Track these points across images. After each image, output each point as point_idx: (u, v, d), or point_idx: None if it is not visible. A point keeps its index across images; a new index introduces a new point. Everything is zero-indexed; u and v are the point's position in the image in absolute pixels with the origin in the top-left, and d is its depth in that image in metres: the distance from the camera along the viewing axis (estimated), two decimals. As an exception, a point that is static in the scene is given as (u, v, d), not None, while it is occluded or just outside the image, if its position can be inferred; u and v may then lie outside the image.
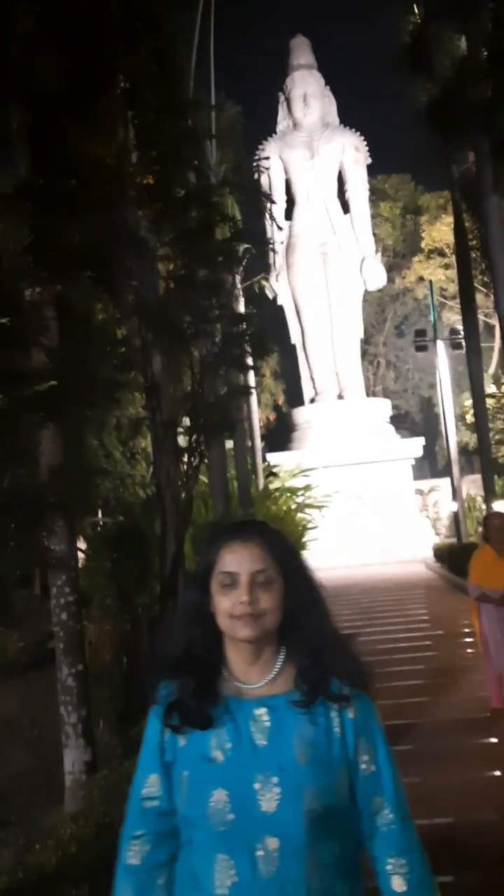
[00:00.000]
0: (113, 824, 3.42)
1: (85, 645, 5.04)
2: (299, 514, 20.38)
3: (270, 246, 19.46)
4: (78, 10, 6.05)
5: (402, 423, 36.31)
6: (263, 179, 31.09)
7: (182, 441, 7.52)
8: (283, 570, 1.51)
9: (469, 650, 8.49)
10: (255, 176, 30.21)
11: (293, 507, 20.35)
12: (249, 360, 7.83)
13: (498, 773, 5.14)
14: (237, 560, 1.49)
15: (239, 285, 20.49)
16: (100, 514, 11.61)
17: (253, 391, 21.83)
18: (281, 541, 1.55)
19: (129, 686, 5.82)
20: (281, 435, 30.63)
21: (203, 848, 1.45)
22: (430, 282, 25.40)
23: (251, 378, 17.14)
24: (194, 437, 7.09)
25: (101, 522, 10.86)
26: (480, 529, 7.06)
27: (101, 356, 4.76)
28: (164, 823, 1.51)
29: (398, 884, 1.48)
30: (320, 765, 1.45)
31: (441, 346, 21.19)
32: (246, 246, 24.04)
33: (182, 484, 7.06)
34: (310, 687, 1.49)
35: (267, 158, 29.67)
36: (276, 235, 30.27)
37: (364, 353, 34.82)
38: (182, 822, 1.49)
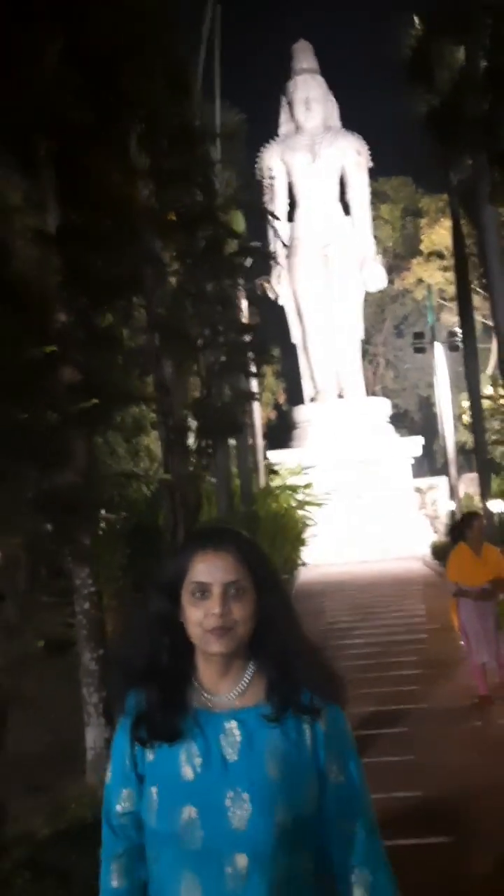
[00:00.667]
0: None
1: (105, 631, 5.53)
2: (299, 512, 20.87)
3: (273, 259, 19.94)
4: (98, 43, 6.52)
5: (402, 421, 36.77)
6: (265, 182, 31.66)
7: (190, 441, 8.00)
8: (255, 580, 1.48)
9: (462, 643, 8.99)
10: (257, 179, 30.63)
11: (293, 504, 20.84)
12: (253, 368, 8.31)
13: (483, 752, 5.65)
14: (210, 570, 1.45)
15: (242, 289, 20.96)
16: (103, 511, 12.06)
17: (254, 387, 22.39)
18: (254, 550, 1.52)
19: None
20: (282, 433, 31.10)
21: (170, 865, 1.43)
22: (429, 286, 25.87)
23: (254, 384, 17.62)
24: (202, 440, 7.58)
25: (105, 519, 11.32)
26: (449, 528, 7.58)
27: (124, 368, 5.23)
28: (142, 837, 1.49)
29: (360, 895, 1.47)
30: (291, 778, 1.43)
31: (439, 348, 21.65)
32: (249, 260, 24.53)
33: (190, 483, 7.54)
34: (280, 699, 1.47)
35: (270, 169, 30.21)
36: (279, 236, 30.74)
37: (364, 353, 35.27)
38: (150, 837, 1.47)
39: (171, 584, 1.48)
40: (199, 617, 1.44)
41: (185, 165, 6.75)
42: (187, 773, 1.42)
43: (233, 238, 7.70)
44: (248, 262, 20.35)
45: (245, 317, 23.17)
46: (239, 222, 22.24)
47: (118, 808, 1.49)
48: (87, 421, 4.10)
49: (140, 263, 5.20)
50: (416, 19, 17.89)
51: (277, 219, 24.26)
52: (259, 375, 12.34)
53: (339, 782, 1.47)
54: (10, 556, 4.48)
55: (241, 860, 1.38)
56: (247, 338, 8.20)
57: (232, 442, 17.21)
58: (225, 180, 20.83)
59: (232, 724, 1.45)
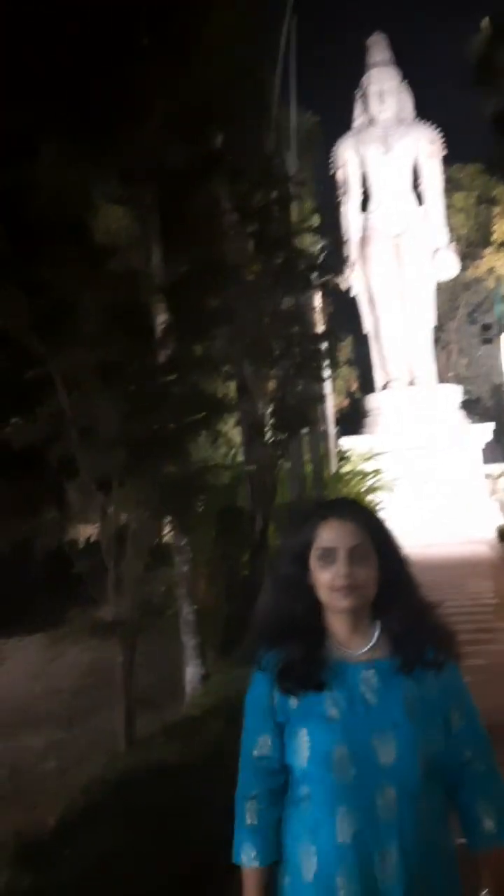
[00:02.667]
0: (221, 709, 5.25)
1: (199, 591, 6.91)
2: (368, 497, 21.88)
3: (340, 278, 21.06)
4: (199, 103, 7.75)
5: (474, 408, 37.10)
6: (339, 175, 32.49)
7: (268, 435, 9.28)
8: (376, 545, 1.65)
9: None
10: (331, 173, 31.56)
11: (363, 489, 21.86)
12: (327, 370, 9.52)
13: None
14: (335, 536, 1.63)
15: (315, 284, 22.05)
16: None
17: (328, 380, 23.48)
18: (373, 518, 1.71)
19: (227, 626, 7.71)
20: (354, 420, 32.04)
21: (324, 801, 1.59)
22: (497, 277, 26.32)
23: (327, 385, 18.76)
24: (278, 434, 8.87)
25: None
26: None
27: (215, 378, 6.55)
28: (275, 781, 1.67)
29: (489, 825, 1.64)
30: (425, 720, 1.62)
31: (507, 339, 22.26)
32: (323, 243, 25.53)
33: (267, 472, 8.84)
34: (408, 653, 1.65)
35: (345, 162, 31.07)
36: (352, 234, 31.62)
37: (437, 341, 35.77)
38: (298, 778, 1.64)
39: (300, 551, 1.67)
40: (327, 579, 1.62)
41: (266, 202, 7.99)
42: (334, 715, 1.60)
43: (305, 259, 8.91)
44: (322, 254, 21.47)
45: (317, 309, 24.27)
46: (309, 212, 23.35)
47: (255, 752, 1.68)
48: (196, 428, 5.46)
49: (231, 295, 6.45)
50: (486, 21, 18.53)
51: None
52: (325, 379, 13.51)
53: (460, 727, 1.66)
54: (121, 529, 5.87)
55: (391, 792, 1.56)
56: (323, 345, 9.42)
57: (305, 430, 18.45)
58: (301, 180, 21.96)
59: (369, 673, 1.63)
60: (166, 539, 8.26)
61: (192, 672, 6.76)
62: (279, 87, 18.40)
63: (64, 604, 6.91)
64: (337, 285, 30.60)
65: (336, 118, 38.02)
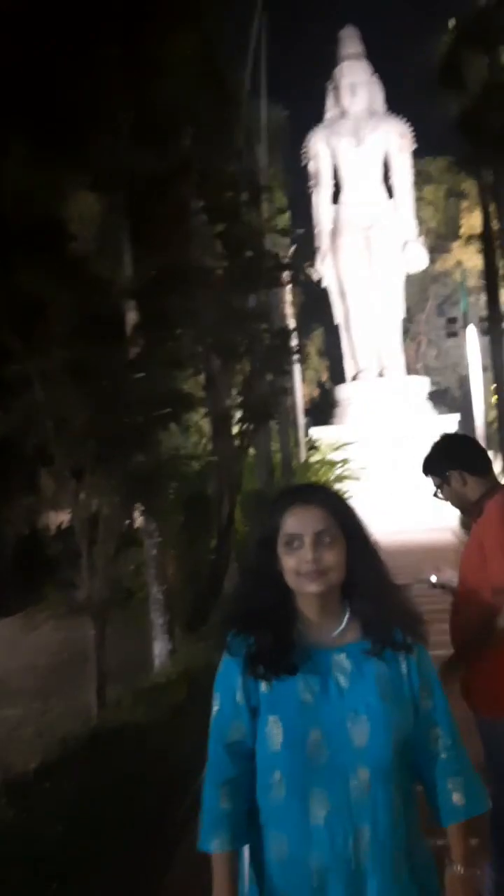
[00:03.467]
0: (184, 677, 5.76)
1: (167, 573, 7.39)
2: (337, 485, 22.49)
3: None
4: (164, 112, 8.13)
5: (442, 399, 37.92)
6: (311, 166, 32.94)
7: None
8: (344, 529, 1.65)
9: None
10: (303, 164, 31.93)
11: (332, 478, 22.46)
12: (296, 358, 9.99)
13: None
14: (300, 522, 1.63)
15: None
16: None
17: (297, 366, 24.01)
18: (341, 502, 1.70)
19: (194, 605, 8.22)
20: (324, 410, 32.66)
21: (296, 785, 1.59)
22: (464, 271, 26.99)
23: (297, 367, 19.23)
24: (244, 425, 9.35)
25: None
26: None
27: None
28: (249, 765, 1.65)
29: (457, 798, 1.67)
30: (396, 702, 1.63)
31: (471, 331, 22.94)
32: (297, 231, 25.89)
33: (233, 462, 9.32)
34: (378, 636, 1.66)
35: (316, 154, 31.51)
36: (323, 225, 32.13)
37: (406, 332, 36.45)
38: (269, 762, 1.62)
39: (268, 538, 1.67)
40: (294, 564, 1.62)
41: (233, 203, 8.43)
42: (308, 699, 1.60)
43: (272, 260, 9.38)
44: (290, 251, 21.92)
45: (288, 303, 24.73)
46: (282, 211, 23.76)
47: (229, 738, 1.66)
48: (162, 422, 5.92)
49: (197, 295, 6.90)
50: (452, 21, 19.01)
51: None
52: (289, 373, 14.05)
53: (428, 707, 1.68)
54: (93, 515, 6.32)
55: (364, 773, 1.57)
56: (289, 341, 9.90)
57: (274, 421, 18.99)
58: (270, 174, 22.36)
59: (341, 657, 1.64)
60: (137, 524, 8.75)
61: (160, 647, 7.25)
62: (249, 81, 18.78)
63: (37, 586, 7.38)
64: (308, 276, 31.17)
65: (307, 111, 38.37)
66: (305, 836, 1.56)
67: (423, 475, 2.99)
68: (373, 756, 1.58)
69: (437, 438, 2.99)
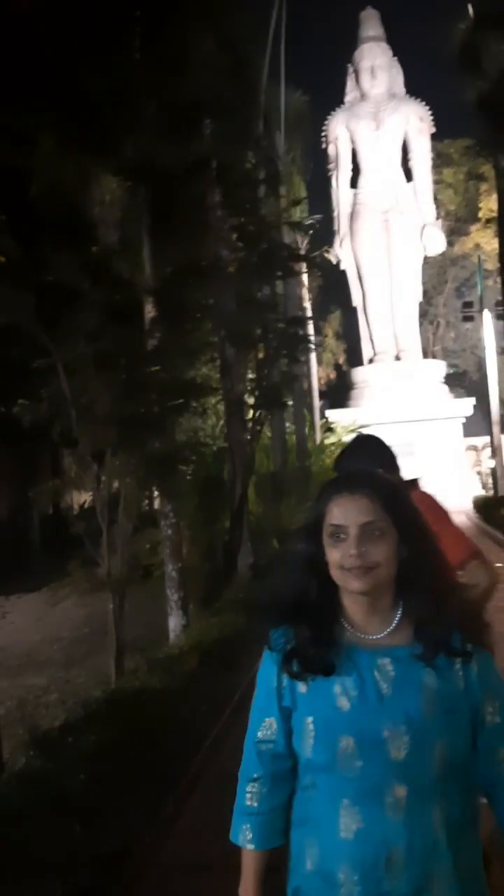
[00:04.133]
0: (196, 649, 6.19)
1: (182, 552, 7.81)
2: (351, 467, 22.74)
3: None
4: (186, 111, 8.41)
5: (460, 381, 38.01)
6: (330, 150, 32.98)
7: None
8: (395, 521, 1.49)
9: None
10: (322, 147, 31.99)
11: (346, 460, 22.75)
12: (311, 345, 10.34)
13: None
14: (345, 513, 1.49)
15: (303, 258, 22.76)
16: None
17: (313, 351, 24.31)
18: (392, 492, 1.54)
19: (208, 582, 8.66)
20: (341, 392, 32.88)
21: (328, 793, 1.48)
22: (479, 256, 27.04)
23: (313, 359, 19.51)
24: (256, 411, 9.73)
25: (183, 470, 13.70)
26: None
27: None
28: (280, 766, 1.56)
29: None
30: (446, 716, 1.46)
31: (487, 315, 23.07)
32: (313, 219, 26.08)
33: (246, 446, 9.71)
34: (431, 641, 1.48)
35: (336, 138, 31.52)
36: (341, 207, 32.21)
37: (424, 314, 36.53)
38: (304, 766, 1.53)
39: (313, 527, 1.53)
40: (337, 558, 1.48)
41: (252, 198, 8.76)
42: (343, 704, 1.46)
43: (283, 251, 9.70)
44: (304, 243, 22.01)
45: (306, 288, 24.95)
46: (299, 189, 23.91)
47: (259, 734, 1.57)
48: (177, 410, 6.32)
49: (213, 288, 7.25)
50: (470, 6, 19.01)
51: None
52: (301, 361, 14.37)
53: (494, 723, 1.50)
54: (114, 496, 6.74)
55: (401, 790, 1.43)
56: (301, 329, 10.24)
57: (289, 404, 19.35)
58: (290, 159, 22.53)
59: (385, 661, 1.48)
60: (156, 505, 9.18)
61: (175, 622, 7.69)
62: (269, 67, 18.94)
63: (61, 563, 7.83)
64: (327, 261, 31.31)
65: (327, 93, 38.20)
66: (335, 849, 1.46)
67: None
68: (411, 773, 1.43)
69: (355, 438, 3.12)
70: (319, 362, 30.49)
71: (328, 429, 26.03)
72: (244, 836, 1.59)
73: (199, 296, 6.97)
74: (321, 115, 31.74)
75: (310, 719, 1.50)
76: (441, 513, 2.81)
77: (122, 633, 6.58)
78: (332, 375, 36.95)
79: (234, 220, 8.99)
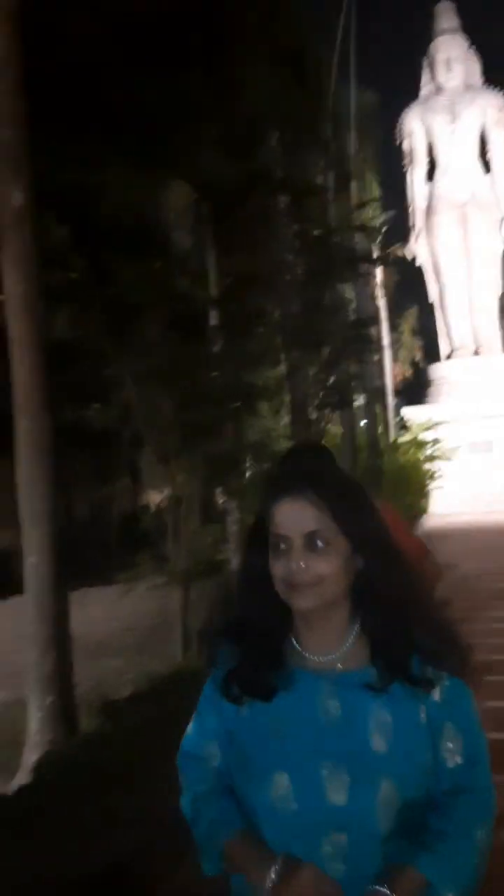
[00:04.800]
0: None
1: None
2: (427, 465, 22.72)
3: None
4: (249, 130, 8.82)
5: (542, 376, 37.08)
6: (405, 145, 32.81)
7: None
8: (347, 528, 1.28)
9: None
10: (397, 143, 31.91)
11: (421, 458, 22.74)
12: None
13: None
14: (286, 520, 1.28)
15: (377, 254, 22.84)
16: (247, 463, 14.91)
17: (385, 350, 24.39)
18: (344, 492, 1.31)
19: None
20: (417, 390, 32.68)
21: (266, 832, 1.28)
22: None
23: (387, 356, 19.65)
24: (321, 411, 10.08)
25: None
26: None
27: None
28: (227, 780, 1.39)
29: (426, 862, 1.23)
30: (397, 755, 1.25)
31: None
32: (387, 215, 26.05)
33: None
34: (385, 665, 1.28)
35: (410, 133, 31.37)
36: (417, 203, 32.03)
37: (503, 309, 35.87)
38: (241, 799, 1.34)
39: (259, 532, 1.34)
40: (280, 572, 1.28)
41: (317, 207, 9.12)
42: (279, 735, 1.29)
43: (349, 254, 10.02)
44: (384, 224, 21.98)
45: (378, 284, 25.00)
46: (372, 188, 23.95)
47: (202, 752, 1.41)
48: (237, 414, 6.80)
49: (276, 294, 7.65)
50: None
51: None
52: (366, 362, 14.60)
53: (455, 765, 1.29)
54: (179, 495, 7.24)
55: (340, 839, 1.23)
56: (369, 329, 10.51)
57: (360, 402, 19.55)
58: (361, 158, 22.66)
59: (331, 689, 1.29)
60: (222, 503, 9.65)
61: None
62: (337, 68, 19.14)
63: (134, 558, 8.42)
64: (400, 254, 31.17)
65: (400, 89, 37.94)
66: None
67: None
68: (352, 820, 1.24)
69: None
70: (395, 359, 30.42)
71: (403, 426, 25.99)
72: (215, 842, 1.34)
73: (262, 303, 7.36)
74: (395, 111, 31.65)
75: (245, 748, 1.33)
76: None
77: (187, 623, 7.06)
78: (409, 373, 36.75)
79: (297, 227, 9.36)
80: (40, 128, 4.42)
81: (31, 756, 4.40)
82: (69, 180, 6.20)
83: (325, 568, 1.28)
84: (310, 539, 1.28)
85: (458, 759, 1.30)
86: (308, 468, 1.34)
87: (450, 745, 1.29)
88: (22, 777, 4.17)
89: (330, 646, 1.34)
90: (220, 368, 6.59)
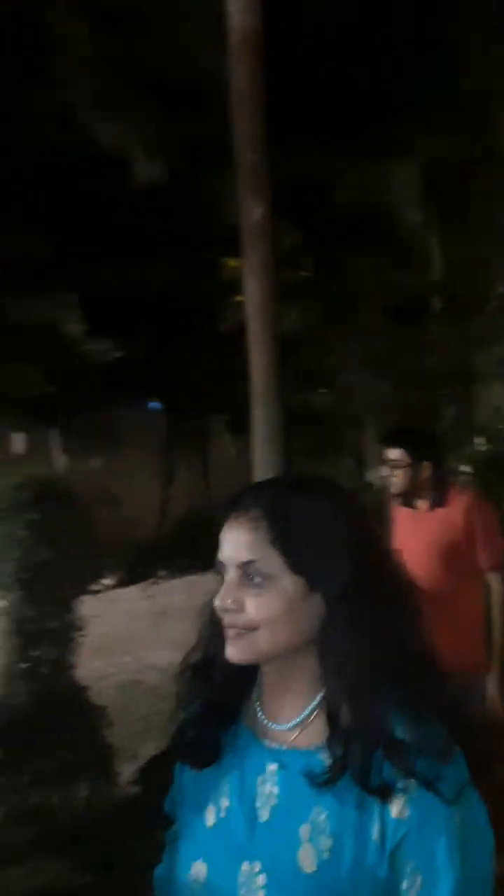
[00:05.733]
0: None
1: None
2: None
3: None
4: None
5: None
6: None
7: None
8: (295, 563, 0.94)
9: None
10: None
11: None
12: None
13: None
14: (225, 544, 0.98)
15: None
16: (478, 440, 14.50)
17: None
18: (310, 521, 0.96)
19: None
20: None
21: None
22: None
23: None
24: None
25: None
26: None
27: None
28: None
29: None
30: (324, 879, 0.92)
31: None
32: None
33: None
34: (342, 755, 0.92)
35: None
36: None
37: None
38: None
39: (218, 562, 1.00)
40: (217, 607, 0.98)
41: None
42: (209, 818, 1.02)
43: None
44: None
45: None
46: None
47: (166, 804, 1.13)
48: (454, 398, 7.01)
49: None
50: None
51: None
52: None
53: (410, 888, 0.91)
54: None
55: None
56: None
57: None
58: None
59: (273, 768, 0.98)
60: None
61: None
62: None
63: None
64: None
65: None
66: None
67: (391, 444, 2.86)
68: None
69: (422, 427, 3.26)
70: None
71: None
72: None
73: (490, 285, 7.44)
74: None
75: (180, 817, 1.08)
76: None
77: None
78: None
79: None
80: (279, 140, 4.81)
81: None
82: (305, 181, 6.64)
83: (257, 611, 0.95)
84: (245, 571, 0.95)
85: (413, 881, 0.90)
86: (273, 490, 1.02)
87: (411, 864, 0.90)
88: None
89: (289, 711, 0.99)
90: (438, 352, 6.82)
